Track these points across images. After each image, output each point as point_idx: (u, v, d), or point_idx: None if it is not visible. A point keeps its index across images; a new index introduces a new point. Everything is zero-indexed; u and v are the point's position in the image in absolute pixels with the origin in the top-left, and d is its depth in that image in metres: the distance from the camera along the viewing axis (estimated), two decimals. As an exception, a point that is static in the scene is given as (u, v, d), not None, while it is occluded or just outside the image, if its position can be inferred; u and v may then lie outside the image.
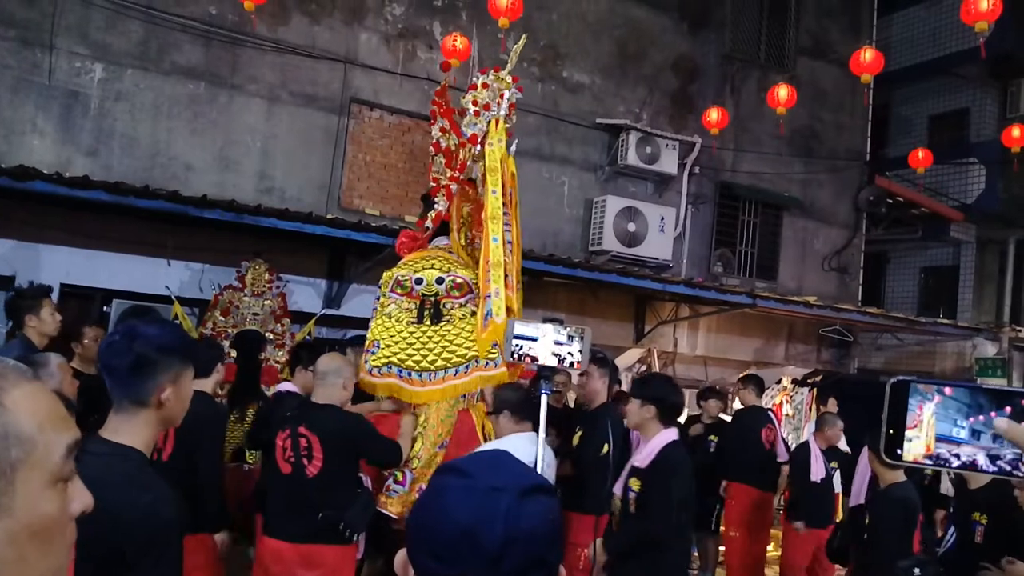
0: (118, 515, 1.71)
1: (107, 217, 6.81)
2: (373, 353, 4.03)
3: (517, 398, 3.96)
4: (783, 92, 8.70)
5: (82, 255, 7.07)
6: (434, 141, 4.61)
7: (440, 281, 4.14)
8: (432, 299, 4.10)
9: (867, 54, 7.93)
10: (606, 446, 4.54)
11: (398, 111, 8.86)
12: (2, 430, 0.82)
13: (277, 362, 6.92)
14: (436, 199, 4.48)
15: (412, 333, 4.04)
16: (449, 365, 4.04)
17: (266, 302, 7.21)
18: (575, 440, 4.86)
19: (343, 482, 3.61)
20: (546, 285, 8.86)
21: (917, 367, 11.89)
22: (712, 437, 7.25)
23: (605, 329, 9.77)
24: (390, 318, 4.09)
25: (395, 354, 3.98)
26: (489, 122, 4.39)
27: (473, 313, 4.14)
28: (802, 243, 11.57)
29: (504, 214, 4.18)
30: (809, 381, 11.15)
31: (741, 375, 8.27)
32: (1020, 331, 11.39)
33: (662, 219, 9.75)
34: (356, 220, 7.29)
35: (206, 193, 6.68)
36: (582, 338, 1.93)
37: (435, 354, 4.03)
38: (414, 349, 4.00)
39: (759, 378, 7.75)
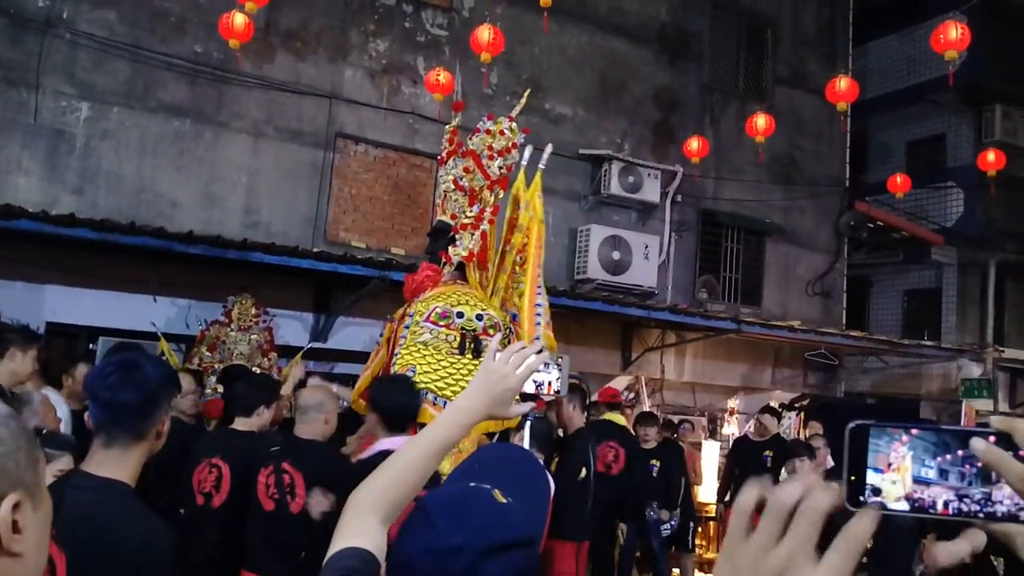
0: (113, 549, 1.72)
1: (93, 254, 6.83)
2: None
3: (536, 426, 4.01)
4: (761, 121, 8.86)
5: (68, 293, 7.08)
6: (454, 179, 4.67)
7: (480, 318, 4.21)
8: (472, 334, 4.17)
9: (842, 83, 8.10)
10: (584, 470, 4.58)
11: (383, 145, 8.96)
12: (28, 433, 0.92)
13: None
14: (459, 236, 4.55)
15: (452, 364, 4.10)
16: None
17: (253, 337, 7.21)
18: (553, 466, 4.91)
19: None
20: (532, 315, 8.90)
21: (903, 389, 11.96)
22: (653, 461, 7.12)
23: (592, 357, 9.80)
24: (426, 346, 4.13)
25: (433, 381, 4.02)
26: (502, 168, 4.52)
27: None
28: (785, 268, 11.68)
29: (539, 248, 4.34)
30: (796, 405, 11.20)
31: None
32: (1004, 352, 11.50)
33: (646, 247, 9.85)
34: (342, 253, 7.34)
35: (192, 229, 6.72)
36: (559, 366, 1.97)
37: None
38: (453, 380, 4.05)
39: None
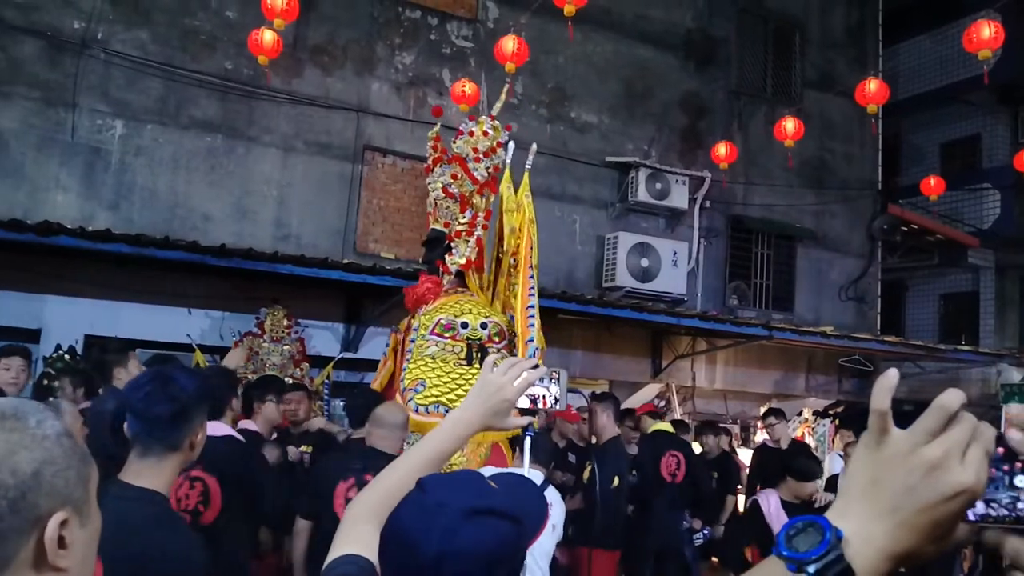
0: (146, 559, 1.76)
1: (129, 269, 6.98)
2: (418, 392, 4.06)
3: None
4: (790, 125, 8.80)
5: (105, 306, 7.23)
6: (443, 187, 4.66)
7: (484, 326, 4.20)
8: (478, 343, 4.17)
9: (872, 85, 8.01)
10: (617, 479, 4.57)
11: (410, 156, 9.03)
12: (81, 451, 0.94)
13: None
14: (455, 244, 4.53)
15: (461, 375, 4.09)
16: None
17: (285, 347, 7.30)
18: (585, 475, 4.90)
19: None
20: (560, 323, 8.90)
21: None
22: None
23: (621, 365, 9.78)
24: (434, 359, 4.13)
25: (444, 394, 4.02)
26: (489, 169, 4.49)
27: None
28: (817, 274, 11.55)
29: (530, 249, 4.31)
30: (830, 412, 11.04)
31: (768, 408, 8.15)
32: (1044, 356, 11.25)
33: (675, 254, 9.80)
34: (371, 264, 7.41)
35: (224, 243, 6.83)
36: (556, 380, 1.95)
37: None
38: (464, 391, 4.03)
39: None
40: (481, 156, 4.50)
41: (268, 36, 6.89)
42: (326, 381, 7.58)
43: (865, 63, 11.96)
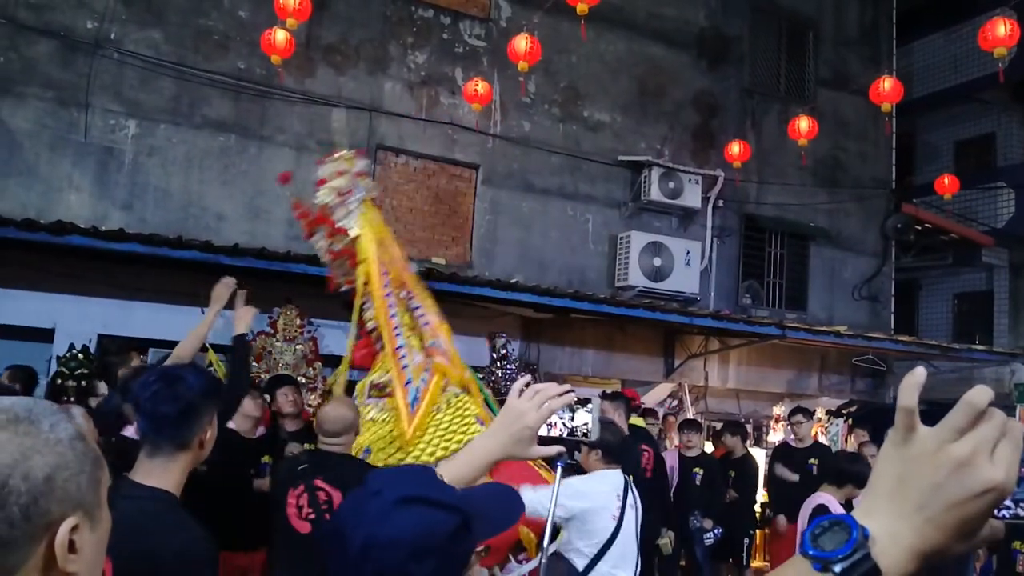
0: (152, 557, 1.76)
1: (142, 268, 6.99)
2: (365, 459, 3.91)
3: (611, 441, 3.96)
4: (804, 124, 8.75)
5: (118, 306, 7.24)
6: (328, 250, 4.45)
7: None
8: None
9: (886, 83, 7.96)
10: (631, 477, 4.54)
11: (423, 156, 9.02)
12: (93, 454, 0.93)
13: (309, 405, 6.98)
14: (364, 301, 4.34)
15: (402, 434, 3.95)
16: (447, 454, 3.86)
17: (298, 347, 7.31)
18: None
19: None
20: (573, 322, 8.89)
21: (955, 395, 11.55)
22: (696, 469, 6.93)
23: (634, 364, 9.75)
24: (374, 423, 4.00)
25: (390, 456, 3.89)
26: (362, 203, 4.31)
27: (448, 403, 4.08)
28: (831, 273, 11.49)
29: (384, 286, 4.16)
30: (844, 412, 10.98)
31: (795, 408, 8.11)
32: (1059, 355, 11.16)
33: (688, 253, 9.76)
34: (384, 264, 7.39)
35: (237, 242, 6.84)
36: (573, 407, 1.89)
37: (433, 446, 3.94)
38: (405, 452, 3.92)
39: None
40: (343, 196, 4.29)
41: (281, 35, 6.89)
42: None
43: (879, 61, 11.88)
